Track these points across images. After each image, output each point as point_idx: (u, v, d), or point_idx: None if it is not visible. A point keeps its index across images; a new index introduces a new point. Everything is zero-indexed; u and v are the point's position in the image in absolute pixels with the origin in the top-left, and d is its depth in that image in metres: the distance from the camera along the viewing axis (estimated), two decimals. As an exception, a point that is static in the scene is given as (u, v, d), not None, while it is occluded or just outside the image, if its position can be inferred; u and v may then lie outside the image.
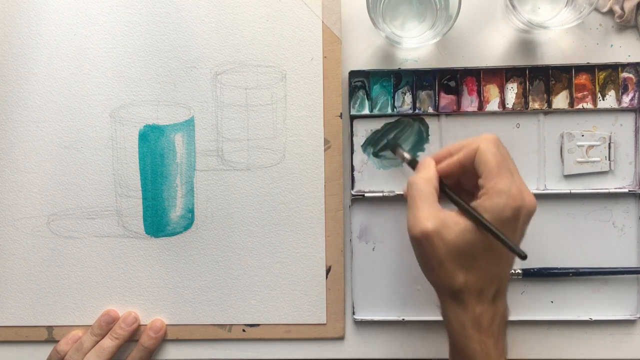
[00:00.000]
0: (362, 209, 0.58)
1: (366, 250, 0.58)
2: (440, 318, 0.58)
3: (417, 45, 0.56)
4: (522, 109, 0.57)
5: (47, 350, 0.58)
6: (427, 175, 0.48)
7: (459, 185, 0.50)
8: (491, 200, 0.45)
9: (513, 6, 0.53)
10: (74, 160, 0.58)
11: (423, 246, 0.47)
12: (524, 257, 0.44)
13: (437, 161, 0.50)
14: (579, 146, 0.57)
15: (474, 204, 0.46)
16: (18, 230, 0.58)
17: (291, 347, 0.59)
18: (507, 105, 0.57)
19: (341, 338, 0.59)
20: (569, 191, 0.57)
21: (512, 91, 0.57)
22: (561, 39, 0.57)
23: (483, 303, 0.46)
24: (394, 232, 0.58)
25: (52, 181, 0.58)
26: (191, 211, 0.58)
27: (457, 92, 0.58)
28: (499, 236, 0.45)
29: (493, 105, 0.57)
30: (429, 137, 0.58)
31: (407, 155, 0.54)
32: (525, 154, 0.58)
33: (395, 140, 0.57)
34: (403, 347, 0.59)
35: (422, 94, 0.58)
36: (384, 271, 0.58)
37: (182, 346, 0.59)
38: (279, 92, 0.57)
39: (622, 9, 0.56)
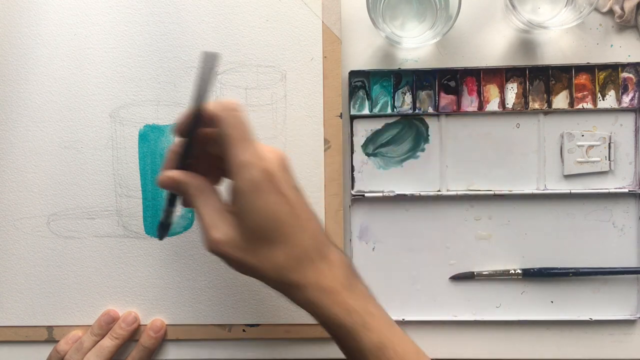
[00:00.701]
0: (362, 209, 0.58)
1: (366, 250, 0.58)
2: (440, 318, 0.58)
3: (417, 45, 0.56)
4: (522, 109, 0.57)
5: (47, 350, 0.58)
6: (195, 188, 0.45)
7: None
8: (239, 179, 0.43)
9: (513, 6, 0.53)
10: (74, 160, 0.58)
11: (226, 257, 0.44)
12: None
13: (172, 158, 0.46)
14: (579, 146, 0.57)
15: (232, 190, 0.44)
16: (18, 230, 0.58)
17: (291, 347, 0.59)
18: (507, 105, 0.57)
19: (341, 338, 0.59)
20: (569, 191, 0.57)
21: (512, 91, 0.57)
22: (561, 39, 0.57)
23: (311, 265, 0.44)
24: (394, 232, 0.58)
25: (52, 181, 0.58)
26: (191, 211, 0.58)
27: (457, 92, 0.58)
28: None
29: (493, 105, 0.57)
30: (429, 137, 0.58)
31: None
32: (525, 154, 0.58)
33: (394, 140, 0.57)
34: (403, 347, 0.59)
35: (422, 94, 0.58)
36: (384, 271, 0.58)
37: (182, 346, 0.59)
38: (279, 92, 0.57)
39: (622, 9, 0.56)
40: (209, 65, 0.42)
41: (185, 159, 0.45)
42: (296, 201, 0.44)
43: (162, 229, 0.49)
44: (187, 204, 0.46)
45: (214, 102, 0.44)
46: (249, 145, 0.43)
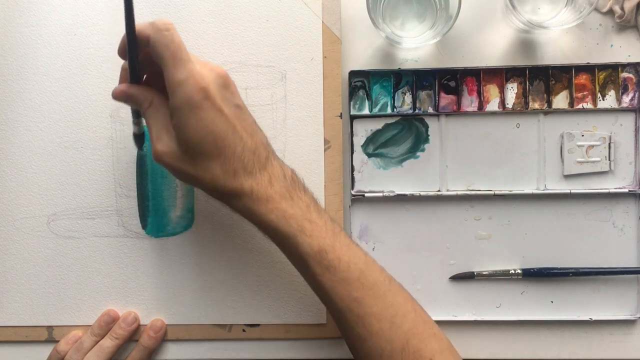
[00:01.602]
0: (362, 209, 0.58)
1: (366, 250, 0.58)
2: (440, 318, 0.58)
3: (417, 45, 0.56)
4: (522, 109, 0.57)
5: (47, 350, 0.58)
6: (146, 101, 0.48)
7: None
8: (176, 97, 0.45)
9: (513, 6, 0.53)
10: (74, 160, 0.58)
11: (169, 168, 0.48)
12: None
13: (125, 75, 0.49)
14: (579, 146, 0.57)
15: (170, 104, 0.46)
16: (18, 230, 0.58)
17: (291, 347, 0.59)
18: (507, 105, 0.57)
19: (341, 338, 0.58)
20: (569, 191, 0.57)
21: (512, 91, 0.57)
22: (561, 39, 0.57)
23: (248, 176, 0.47)
24: (394, 232, 0.58)
25: (52, 181, 0.58)
26: (191, 211, 0.58)
27: (457, 92, 0.58)
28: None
29: (493, 105, 0.57)
30: (429, 137, 0.58)
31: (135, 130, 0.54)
32: (525, 154, 0.58)
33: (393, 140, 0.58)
34: (403, 347, 0.59)
35: (422, 94, 0.58)
36: (384, 271, 0.58)
37: (182, 346, 0.59)
38: (279, 92, 0.57)
39: (622, 9, 0.56)
40: (128, 2, 0.45)
41: (135, 76, 0.48)
42: (234, 116, 0.46)
43: (136, 139, 0.54)
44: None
45: (145, 23, 0.46)
46: (183, 64, 0.45)
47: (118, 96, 0.49)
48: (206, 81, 0.45)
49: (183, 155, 0.47)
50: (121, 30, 0.57)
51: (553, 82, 0.57)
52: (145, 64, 0.48)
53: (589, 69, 0.57)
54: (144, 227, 0.58)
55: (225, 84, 0.47)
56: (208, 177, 0.47)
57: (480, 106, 0.58)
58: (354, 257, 0.48)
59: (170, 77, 0.45)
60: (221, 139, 0.46)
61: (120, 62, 0.57)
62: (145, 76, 0.50)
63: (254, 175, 0.47)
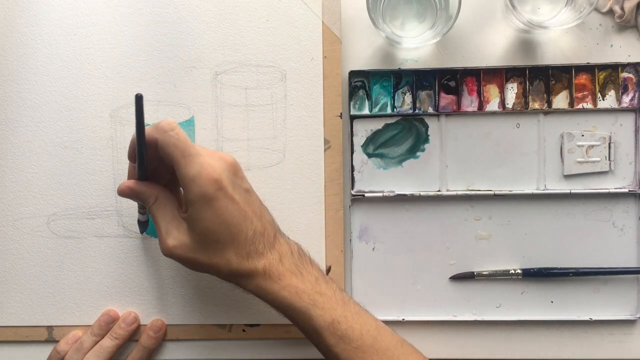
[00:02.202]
0: (362, 209, 0.58)
1: (366, 250, 0.58)
2: (440, 318, 0.58)
3: (417, 45, 0.56)
4: (522, 109, 0.57)
5: (47, 350, 0.58)
6: (152, 198, 0.50)
7: None
8: (190, 192, 0.47)
9: (513, 6, 0.53)
10: (74, 160, 0.58)
11: (181, 260, 0.49)
12: (139, 97, 0.47)
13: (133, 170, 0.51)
14: (579, 146, 0.57)
15: (184, 199, 0.48)
16: (18, 230, 0.58)
17: (291, 347, 0.59)
18: (507, 105, 0.57)
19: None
20: (569, 191, 0.57)
21: (512, 91, 0.57)
22: (561, 39, 0.57)
23: (260, 257, 0.48)
24: (394, 232, 0.58)
25: (52, 181, 0.58)
26: (191, 211, 0.58)
27: (457, 92, 0.58)
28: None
29: (493, 105, 0.57)
30: (429, 137, 0.58)
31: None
32: (525, 154, 0.58)
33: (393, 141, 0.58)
34: (403, 347, 0.59)
35: (422, 94, 0.58)
36: (383, 271, 0.58)
37: (182, 346, 0.59)
38: (279, 92, 0.57)
39: (622, 9, 0.56)
40: (139, 104, 0.47)
41: (144, 174, 0.50)
42: (244, 201, 0.48)
43: (140, 225, 0.56)
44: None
45: (151, 127, 0.48)
46: (192, 160, 0.47)
47: (124, 193, 0.50)
48: (218, 172, 0.47)
49: (195, 246, 0.48)
50: (121, 31, 0.57)
51: (553, 82, 0.57)
52: (150, 160, 0.50)
53: (589, 69, 0.57)
54: (142, 232, 0.57)
55: (235, 171, 0.48)
56: (222, 264, 0.48)
57: (480, 106, 0.58)
58: (365, 325, 0.50)
59: (182, 173, 0.47)
60: (234, 226, 0.48)
61: (121, 61, 0.57)
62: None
63: (265, 256, 0.49)
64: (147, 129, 0.48)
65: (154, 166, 0.51)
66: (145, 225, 0.56)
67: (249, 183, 0.50)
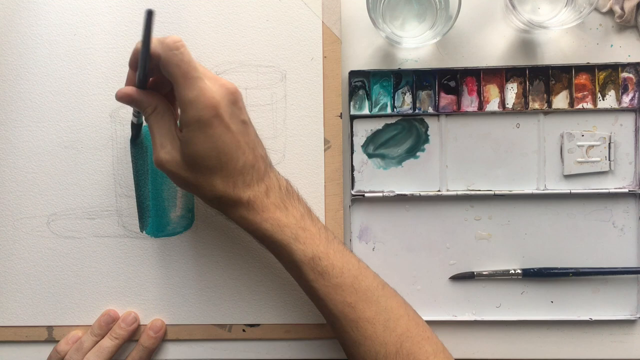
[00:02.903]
0: (362, 209, 0.58)
1: (366, 250, 0.58)
2: (440, 318, 0.58)
3: (417, 45, 0.56)
4: (522, 109, 0.57)
5: (47, 350, 0.58)
6: (150, 107, 0.49)
7: None
8: (187, 114, 0.46)
9: (513, 6, 0.53)
10: (74, 160, 0.58)
11: (170, 175, 0.49)
12: (150, 12, 0.44)
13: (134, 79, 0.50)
14: (579, 146, 0.57)
15: (180, 119, 0.48)
16: (18, 230, 0.58)
17: (291, 347, 0.59)
18: (507, 105, 0.57)
19: (341, 338, 0.59)
20: (569, 191, 0.57)
21: (512, 91, 0.57)
22: (561, 39, 0.57)
23: (246, 188, 0.48)
24: (394, 232, 0.58)
25: (52, 181, 0.58)
26: (191, 211, 0.58)
27: (457, 92, 0.58)
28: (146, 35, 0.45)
29: (493, 105, 0.57)
30: (429, 137, 0.58)
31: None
32: (525, 154, 0.58)
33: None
34: (403, 347, 0.59)
35: (422, 94, 0.58)
36: (384, 271, 0.58)
37: (182, 346, 0.59)
38: (279, 92, 0.57)
39: (622, 9, 0.56)
40: (149, 20, 0.45)
41: (143, 81, 0.49)
42: (239, 132, 0.48)
43: (133, 128, 0.55)
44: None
45: (157, 40, 0.47)
46: (193, 82, 0.46)
47: (122, 98, 0.49)
48: (217, 99, 0.46)
49: (185, 166, 0.48)
50: (121, 31, 0.57)
51: (553, 82, 0.57)
52: (152, 70, 0.49)
53: (589, 69, 0.57)
54: (142, 228, 0.58)
55: (235, 100, 0.48)
56: (208, 188, 0.48)
57: (480, 106, 0.58)
58: (347, 264, 0.49)
59: (181, 94, 0.46)
60: (225, 154, 0.47)
61: (121, 61, 0.57)
62: (150, 80, 0.50)
63: (252, 187, 0.49)
64: (153, 41, 0.46)
65: (156, 77, 0.50)
66: (139, 129, 0.55)
67: (248, 115, 0.50)
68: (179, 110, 0.48)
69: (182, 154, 0.48)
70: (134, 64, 0.49)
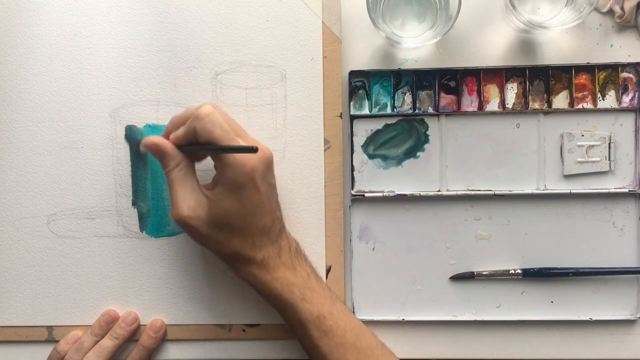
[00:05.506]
0: (362, 209, 0.58)
1: (366, 250, 0.58)
2: (440, 318, 0.58)
3: (417, 45, 0.56)
4: (522, 109, 0.57)
5: (47, 350, 0.58)
6: (174, 162, 0.50)
7: None
8: (223, 176, 0.48)
9: (513, 6, 0.53)
10: (74, 160, 0.58)
11: (188, 230, 0.50)
12: (254, 149, 0.46)
13: (168, 134, 0.51)
14: (579, 146, 0.57)
15: (215, 178, 0.50)
16: (18, 230, 0.58)
17: (291, 347, 0.59)
18: (507, 105, 0.57)
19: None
20: (569, 191, 0.57)
21: (512, 91, 0.57)
22: (561, 39, 0.57)
23: (261, 249, 0.50)
24: (394, 232, 0.58)
25: (52, 181, 0.58)
26: (191, 211, 0.58)
27: (457, 92, 0.58)
28: (227, 149, 0.47)
29: (493, 105, 0.57)
30: (429, 137, 0.58)
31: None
32: (525, 154, 0.58)
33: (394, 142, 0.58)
34: (403, 347, 0.59)
35: (422, 94, 0.58)
36: (384, 271, 0.58)
37: (182, 346, 0.59)
38: (279, 92, 0.57)
39: (622, 9, 0.56)
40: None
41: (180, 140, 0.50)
42: (267, 195, 0.50)
43: (137, 154, 0.57)
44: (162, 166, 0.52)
45: (189, 114, 0.49)
46: (231, 145, 0.48)
47: (149, 147, 0.51)
48: (254, 164, 0.48)
49: (209, 223, 0.49)
50: (121, 31, 0.57)
51: (553, 82, 0.57)
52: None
53: (589, 69, 0.57)
54: (142, 228, 0.58)
55: (269, 164, 0.50)
56: (226, 244, 0.50)
57: (480, 106, 0.58)
58: (349, 323, 0.51)
59: (218, 158, 0.48)
60: (251, 216, 0.49)
61: (121, 61, 0.57)
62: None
63: (267, 247, 0.51)
64: (188, 118, 0.49)
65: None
66: (144, 157, 0.57)
67: (275, 178, 0.51)
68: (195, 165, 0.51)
69: (208, 212, 0.49)
70: (178, 123, 0.51)
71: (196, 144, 0.49)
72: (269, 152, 0.50)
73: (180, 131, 0.50)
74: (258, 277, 0.51)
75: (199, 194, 0.50)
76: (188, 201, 0.49)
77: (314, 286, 0.51)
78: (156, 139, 0.50)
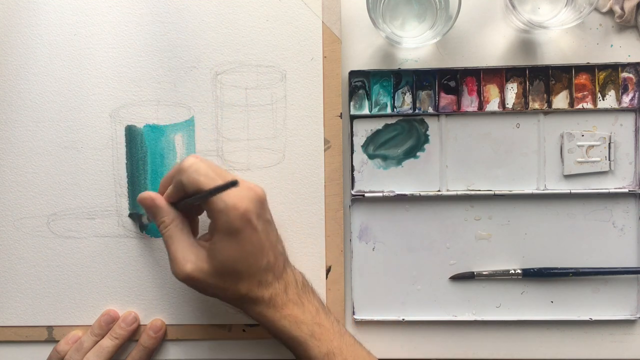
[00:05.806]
0: (362, 209, 0.58)
1: (366, 250, 0.58)
2: (440, 318, 0.58)
3: (417, 45, 0.56)
4: (522, 109, 0.57)
5: (47, 350, 0.58)
6: (168, 217, 0.51)
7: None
8: (218, 222, 0.48)
9: (513, 6, 0.53)
10: (74, 160, 0.58)
11: (194, 285, 0.50)
12: (235, 183, 0.45)
13: (162, 191, 0.52)
14: (579, 146, 0.57)
15: (210, 227, 0.49)
16: (18, 230, 0.58)
17: (291, 347, 0.59)
18: (507, 105, 0.57)
19: (341, 338, 0.58)
20: (569, 191, 0.57)
21: (512, 91, 0.57)
22: (561, 39, 0.57)
23: (267, 287, 0.50)
24: (394, 232, 0.58)
25: (52, 181, 0.58)
26: (191, 211, 0.58)
27: (457, 92, 0.58)
28: (208, 193, 0.46)
29: (493, 105, 0.57)
30: (429, 137, 0.58)
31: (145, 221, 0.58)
32: (525, 154, 0.58)
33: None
34: (403, 347, 0.59)
35: (422, 94, 0.58)
36: (384, 271, 0.58)
37: (182, 346, 0.59)
38: (279, 92, 0.57)
39: (622, 9, 0.56)
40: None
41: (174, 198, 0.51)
42: (264, 232, 0.49)
43: (141, 226, 0.58)
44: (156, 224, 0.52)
45: (174, 171, 0.50)
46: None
47: (144, 202, 0.51)
48: (246, 205, 0.47)
49: (213, 273, 0.49)
50: (121, 31, 0.57)
51: (553, 82, 0.57)
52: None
53: (589, 69, 0.57)
54: (142, 228, 0.58)
55: (262, 202, 0.49)
56: (233, 289, 0.49)
57: (480, 106, 0.58)
58: (358, 358, 0.51)
59: (210, 204, 0.47)
60: (252, 256, 0.49)
61: (121, 61, 0.57)
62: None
63: (273, 285, 0.50)
64: (174, 175, 0.50)
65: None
66: (147, 227, 0.58)
67: (271, 213, 0.51)
68: (194, 219, 0.52)
69: (210, 262, 0.49)
70: (166, 184, 0.52)
71: (185, 197, 0.49)
72: (260, 190, 0.49)
73: (169, 189, 0.51)
74: (267, 316, 0.50)
75: (197, 247, 0.50)
76: (188, 256, 0.49)
77: (322, 321, 0.51)
78: (151, 193, 0.51)
